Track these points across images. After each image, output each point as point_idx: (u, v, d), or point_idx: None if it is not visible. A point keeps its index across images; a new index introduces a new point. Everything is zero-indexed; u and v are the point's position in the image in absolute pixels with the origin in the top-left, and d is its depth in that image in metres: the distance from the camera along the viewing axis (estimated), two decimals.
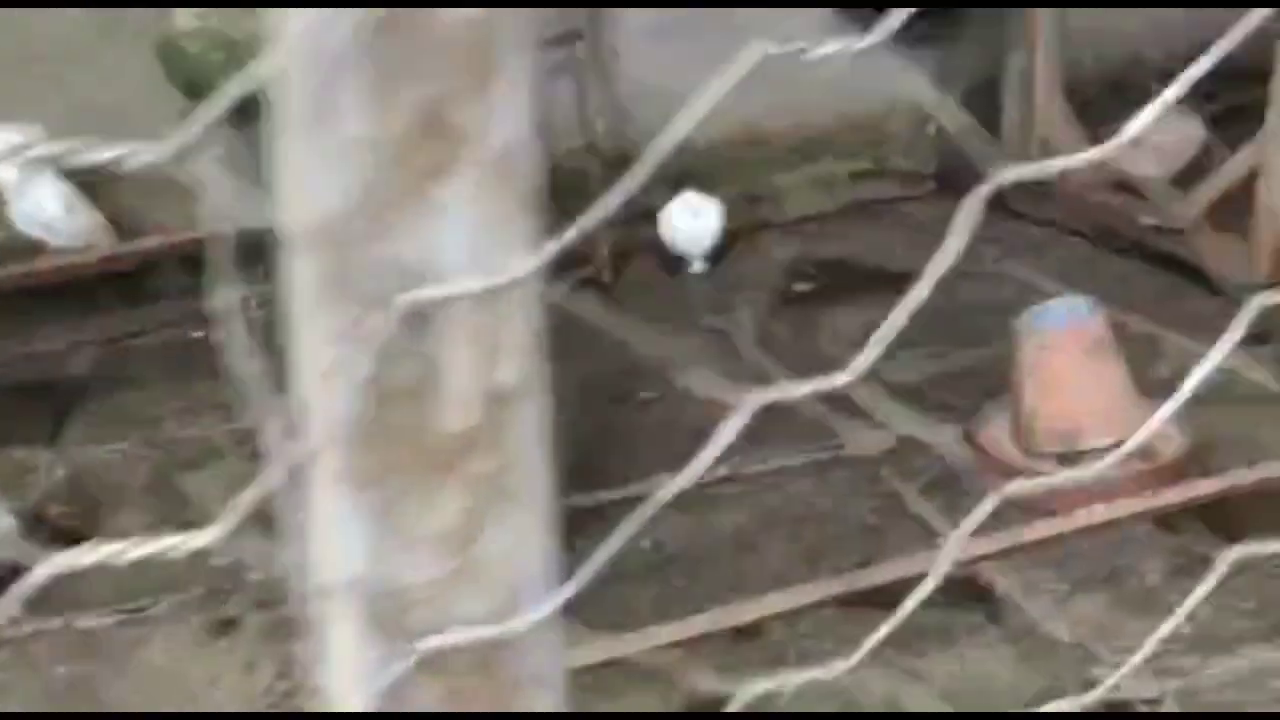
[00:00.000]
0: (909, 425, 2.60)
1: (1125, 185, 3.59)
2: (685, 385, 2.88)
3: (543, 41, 3.84)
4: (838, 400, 2.76)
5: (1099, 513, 1.93)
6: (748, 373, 2.98)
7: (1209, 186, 3.11)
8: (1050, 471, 2.21)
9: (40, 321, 3.26)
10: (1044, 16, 3.74)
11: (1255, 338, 2.80)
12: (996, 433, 2.39)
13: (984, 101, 4.12)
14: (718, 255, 3.87)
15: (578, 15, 3.74)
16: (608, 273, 3.80)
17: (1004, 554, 1.91)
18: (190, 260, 3.08)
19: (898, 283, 3.18)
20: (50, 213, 3.07)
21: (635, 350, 3.21)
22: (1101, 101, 4.00)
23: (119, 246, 3.26)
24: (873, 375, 2.45)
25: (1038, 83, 3.80)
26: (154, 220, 3.34)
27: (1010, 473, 2.25)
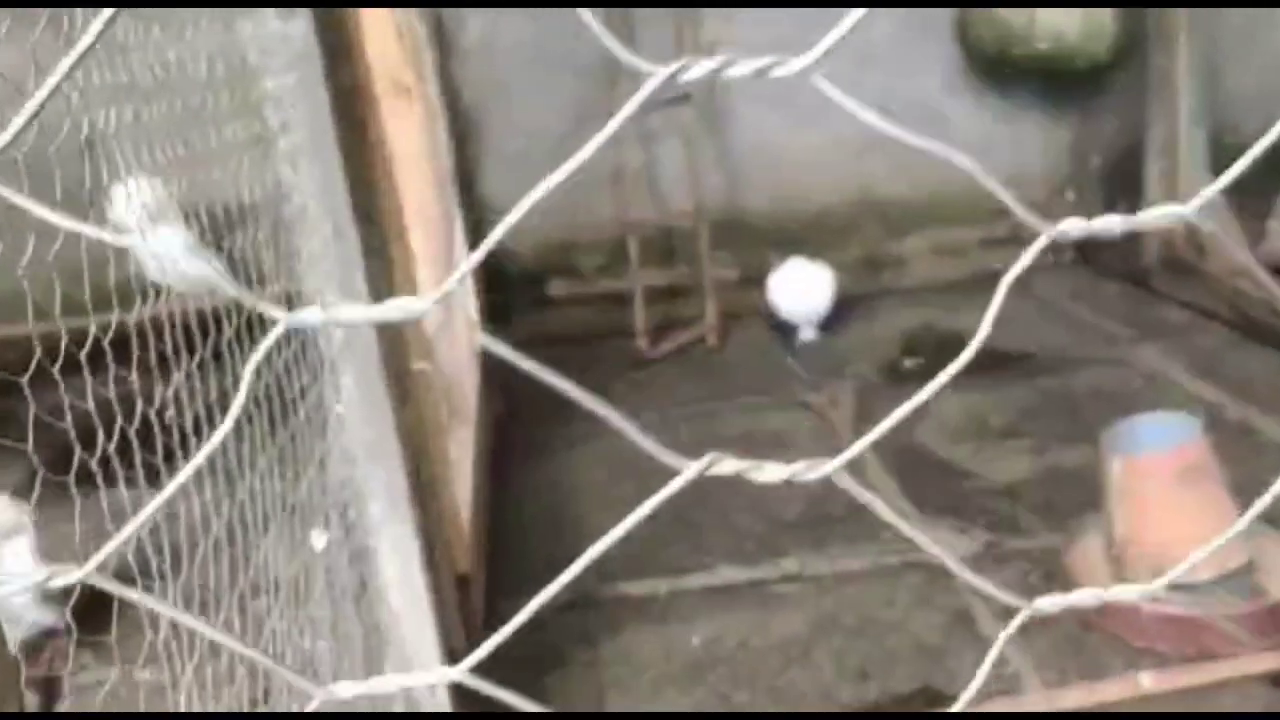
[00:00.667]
0: (997, 530, 2.43)
1: (1278, 269, 3.31)
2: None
3: (653, 103, 3.84)
4: (922, 492, 2.62)
5: (1198, 672, 1.76)
6: (839, 454, 2.86)
7: None
8: (1142, 600, 2.02)
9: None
10: (1190, 82, 3.49)
11: None
12: (1091, 549, 2.21)
13: (1127, 172, 3.88)
14: (829, 322, 3.76)
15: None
16: (715, 336, 3.75)
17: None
18: None
19: (1014, 366, 3.03)
20: (174, 258, 3.23)
21: (724, 422, 3.14)
22: (1259, 174, 3.71)
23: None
24: (961, 468, 2.32)
25: (1181, 153, 3.54)
26: None
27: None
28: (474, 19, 3.75)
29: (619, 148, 3.69)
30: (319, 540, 1.14)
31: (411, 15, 2.59)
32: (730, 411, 3.21)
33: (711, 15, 3.83)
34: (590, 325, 4.02)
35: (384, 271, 1.40)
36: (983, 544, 2.41)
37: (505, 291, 4.02)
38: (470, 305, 2.74)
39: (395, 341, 1.47)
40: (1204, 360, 3.17)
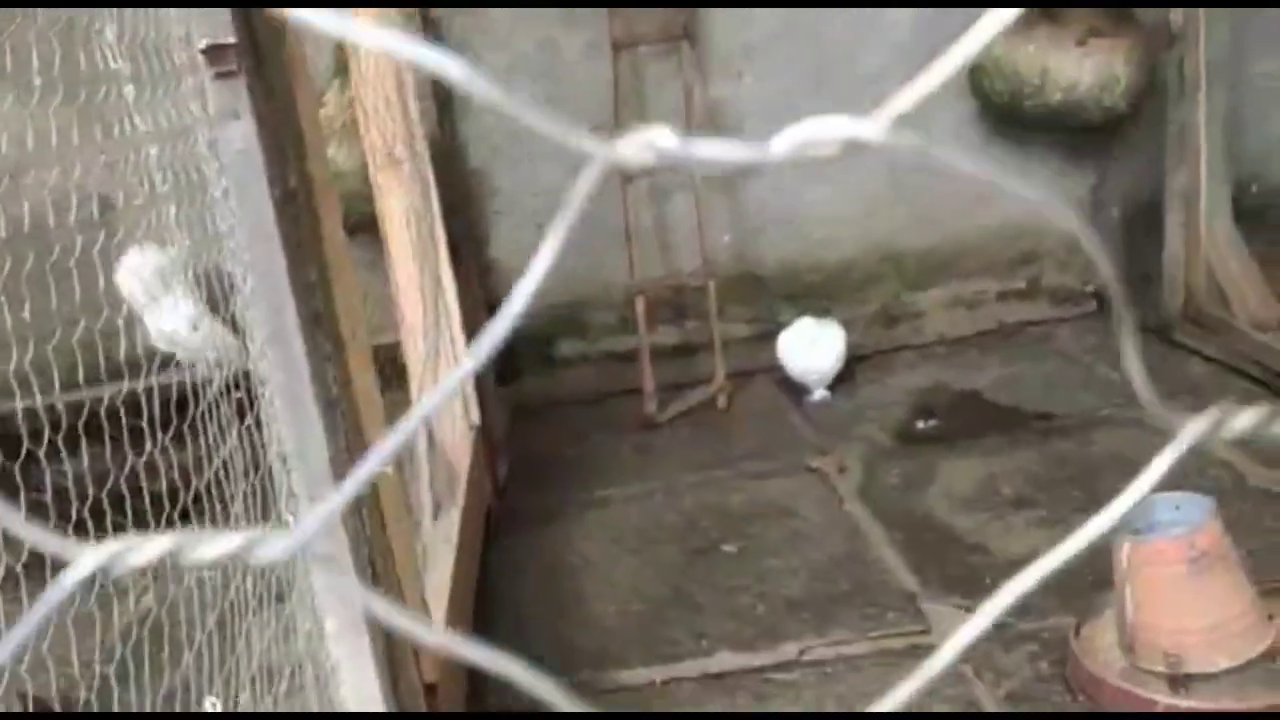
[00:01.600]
0: (1009, 611, 2.33)
1: None
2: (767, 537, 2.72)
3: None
4: (927, 566, 2.53)
5: None
6: (841, 526, 2.78)
7: None
8: (1156, 691, 1.92)
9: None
10: (1210, 132, 3.39)
11: None
12: (1104, 634, 2.11)
13: (1147, 223, 3.78)
14: (842, 381, 3.68)
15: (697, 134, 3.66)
16: (724, 397, 3.68)
17: None
18: None
19: (1030, 427, 2.93)
20: (179, 328, 3.22)
21: (728, 488, 3.06)
22: None
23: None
24: (970, 541, 2.22)
25: (1203, 205, 3.44)
26: None
27: (1109, 690, 1.97)
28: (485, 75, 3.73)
29: (629, 205, 3.64)
30: (209, 704, 1.08)
31: (408, 84, 2.57)
32: (735, 478, 3.13)
33: (719, 72, 3.79)
34: (599, 386, 3.96)
35: (336, 377, 1.35)
36: (993, 626, 2.30)
37: (512, 353, 3.98)
38: (467, 380, 2.68)
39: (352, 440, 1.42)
40: None
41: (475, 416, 2.75)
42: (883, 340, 4.01)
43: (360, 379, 1.45)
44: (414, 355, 2.51)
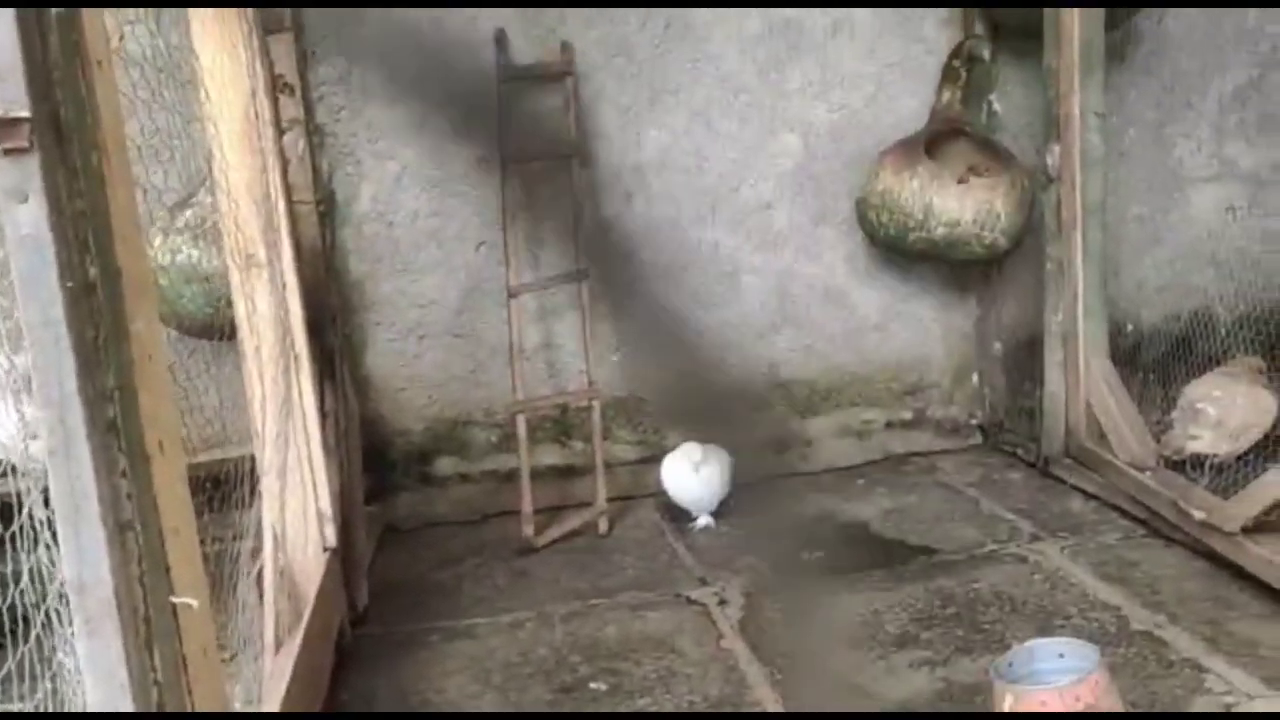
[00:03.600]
0: None
1: (1181, 463, 3.22)
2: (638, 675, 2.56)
3: (550, 279, 3.73)
4: (807, 710, 2.39)
5: None
6: (719, 663, 2.64)
7: (1265, 486, 2.72)
8: None
9: None
10: (1086, 270, 3.47)
11: None
12: None
13: (1029, 359, 3.83)
14: (727, 508, 3.58)
15: (585, 255, 3.62)
16: (605, 522, 3.54)
17: None
18: None
19: (914, 562, 2.84)
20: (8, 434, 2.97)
21: (602, 620, 2.90)
22: (1165, 363, 3.67)
23: None
24: (851, 682, 2.09)
25: (1080, 343, 3.50)
26: None
27: None
28: (367, 187, 3.65)
29: (515, 321, 3.55)
30: None
31: (274, 186, 2.45)
32: (611, 609, 2.97)
33: (609, 193, 3.77)
34: (478, 506, 3.79)
35: (132, 494, 1.20)
36: None
37: (388, 470, 3.80)
38: (323, 493, 2.51)
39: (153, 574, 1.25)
40: (1108, 559, 3.03)
41: (331, 538, 2.56)
42: (772, 467, 3.94)
43: (168, 498, 1.29)
44: (267, 470, 2.33)
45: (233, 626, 2.16)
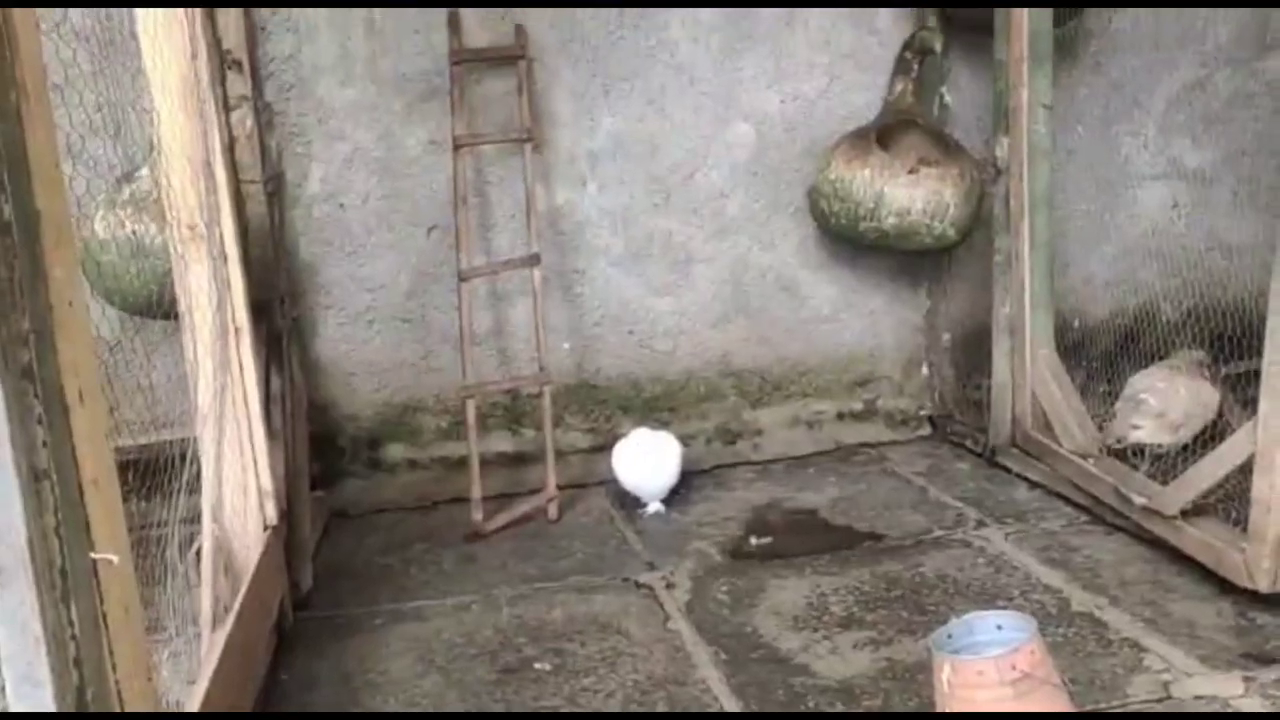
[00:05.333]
0: None
1: (1123, 453, 3.26)
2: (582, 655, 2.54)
3: (502, 264, 3.71)
4: (750, 689, 2.39)
5: None
6: (664, 644, 2.63)
7: (1202, 472, 2.76)
8: None
9: None
10: (1033, 262, 3.50)
11: (1254, 658, 2.40)
12: None
13: (977, 349, 3.87)
14: (678, 495, 3.58)
15: (538, 240, 3.61)
16: (555, 508, 3.52)
17: None
18: None
19: (861, 548, 2.85)
20: None
21: (549, 603, 2.89)
22: (1110, 357, 3.72)
23: None
24: (795, 662, 2.09)
25: (1027, 334, 3.53)
26: None
27: None
28: (317, 168, 3.61)
29: (466, 307, 3.52)
30: None
31: (216, 157, 2.42)
32: (559, 591, 2.96)
33: (563, 178, 3.75)
34: (428, 492, 3.76)
35: (49, 442, 1.17)
36: None
37: (337, 456, 3.76)
38: (264, 471, 2.47)
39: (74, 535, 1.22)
40: (1051, 544, 3.06)
41: (272, 516, 2.52)
42: (723, 456, 3.94)
43: (88, 450, 1.26)
44: (207, 448, 2.30)
45: (174, 605, 2.12)
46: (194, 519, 2.30)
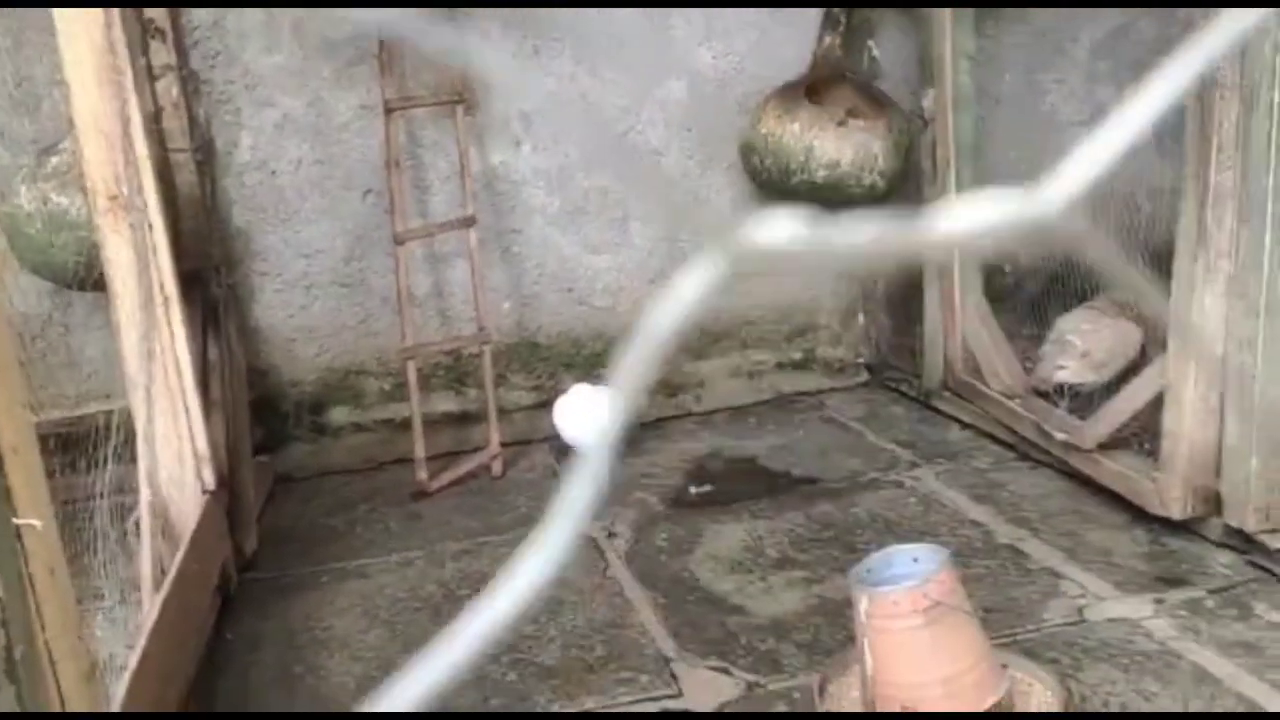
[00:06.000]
0: (760, 670, 2.30)
1: (1048, 393, 3.37)
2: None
3: (438, 225, 3.74)
4: (687, 629, 2.48)
5: None
6: (604, 591, 2.71)
7: (1117, 408, 2.87)
8: None
9: None
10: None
11: (1165, 581, 2.52)
12: (850, 690, 2.10)
13: (910, 298, 3.95)
14: (619, 448, 3.64)
15: (474, 201, 3.63)
16: (499, 464, 3.58)
17: None
18: None
19: (797, 492, 2.93)
20: None
21: (492, 556, 2.95)
22: (1040, 300, 3.82)
23: None
24: (730, 603, 2.18)
25: (956, 281, 3.62)
26: None
27: None
28: (247, 136, 3.59)
29: (403, 269, 3.54)
30: None
31: (134, 123, 2.41)
32: (502, 545, 3.02)
33: (497, 139, 3.77)
34: (372, 454, 3.80)
35: None
36: (744, 686, 2.26)
37: (280, 421, 3.78)
38: (200, 436, 2.50)
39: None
40: (978, 482, 3.17)
41: (210, 481, 2.55)
42: (664, 409, 4.01)
43: (5, 417, 1.29)
44: (139, 415, 2.32)
45: (108, 571, 2.16)
46: (135, 489, 2.34)
